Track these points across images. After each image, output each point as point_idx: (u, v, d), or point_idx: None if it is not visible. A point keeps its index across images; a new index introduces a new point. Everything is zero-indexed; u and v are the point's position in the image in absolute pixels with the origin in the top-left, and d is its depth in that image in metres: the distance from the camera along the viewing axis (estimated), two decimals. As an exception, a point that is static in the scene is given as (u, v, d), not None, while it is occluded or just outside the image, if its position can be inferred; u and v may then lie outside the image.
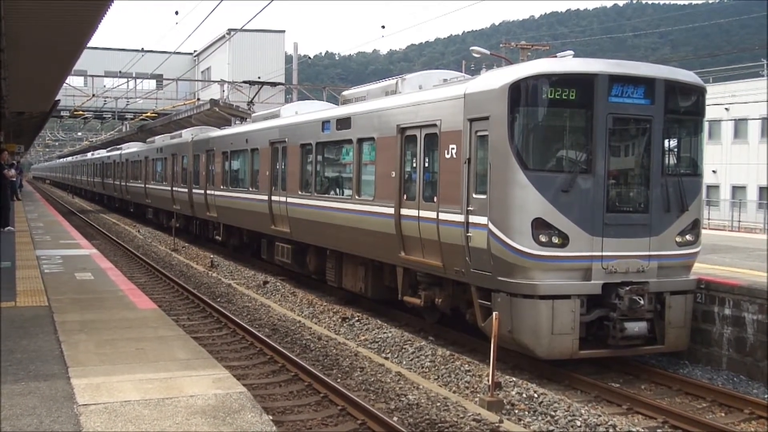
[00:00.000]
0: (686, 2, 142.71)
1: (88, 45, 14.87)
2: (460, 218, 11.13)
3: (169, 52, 48.98)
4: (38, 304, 10.61)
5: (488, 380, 9.47)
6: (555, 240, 10.24)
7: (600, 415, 8.86)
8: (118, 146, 48.45)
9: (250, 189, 20.46)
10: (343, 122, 15.12)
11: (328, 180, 16.64)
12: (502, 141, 10.38)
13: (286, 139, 17.99)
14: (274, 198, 18.59)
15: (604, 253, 10.42)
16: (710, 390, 10.32)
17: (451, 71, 14.77)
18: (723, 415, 9.67)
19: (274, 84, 31.52)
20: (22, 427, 5.74)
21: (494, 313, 9.77)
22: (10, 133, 36.50)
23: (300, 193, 17.05)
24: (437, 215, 11.74)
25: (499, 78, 10.71)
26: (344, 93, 16.89)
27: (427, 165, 12.36)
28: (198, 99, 48.12)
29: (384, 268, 14.23)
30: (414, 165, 12.67)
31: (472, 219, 10.91)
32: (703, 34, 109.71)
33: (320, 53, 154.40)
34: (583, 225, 10.32)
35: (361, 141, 14.46)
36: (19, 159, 56.59)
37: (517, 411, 9.14)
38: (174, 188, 29.23)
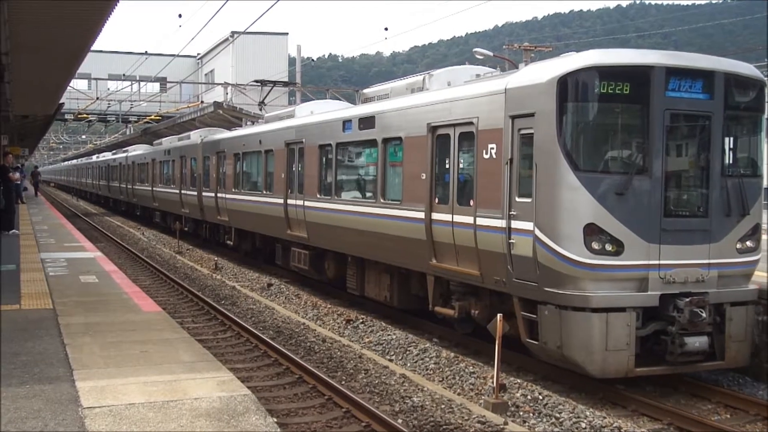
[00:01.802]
0: (689, 3, 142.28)
1: (92, 48, 14.82)
2: (501, 224, 10.31)
3: (173, 55, 48.35)
4: (43, 306, 10.57)
5: (493, 382, 9.33)
6: (608, 247, 9.40)
7: (605, 417, 8.74)
8: (123, 149, 47.71)
9: (265, 192, 19.64)
10: (367, 121, 14.30)
11: (349, 182, 15.81)
12: (549, 139, 9.55)
13: (303, 140, 17.19)
14: (290, 201, 17.77)
15: (662, 262, 9.57)
16: (715, 392, 10.08)
17: (482, 67, 13.98)
18: (728, 416, 9.46)
19: (285, 84, 30.72)
20: (27, 430, 5.71)
21: (498, 315, 9.29)
22: (14, 136, 36.00)
23: (318, 196, 16.23)
24: (474, 220, 10.92)
25: (545, 71, 9.86)
26: (365, 91, 16.09)
27: (461, 166, 11.53)
28: (201, 101, 47.45)
29: (411, 275, 13.40)
30: (447, 166, 11.83)
31: (515, 224, 10.09)
32: (706, 34, 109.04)
33: (323, 55, 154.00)
34: (639, 231, 9.47)
35: (386, 141, 13.63)
36: (24, 162, 55.99)
37: (522, 413, 9.04)
38: (183, 191, 28.40)
